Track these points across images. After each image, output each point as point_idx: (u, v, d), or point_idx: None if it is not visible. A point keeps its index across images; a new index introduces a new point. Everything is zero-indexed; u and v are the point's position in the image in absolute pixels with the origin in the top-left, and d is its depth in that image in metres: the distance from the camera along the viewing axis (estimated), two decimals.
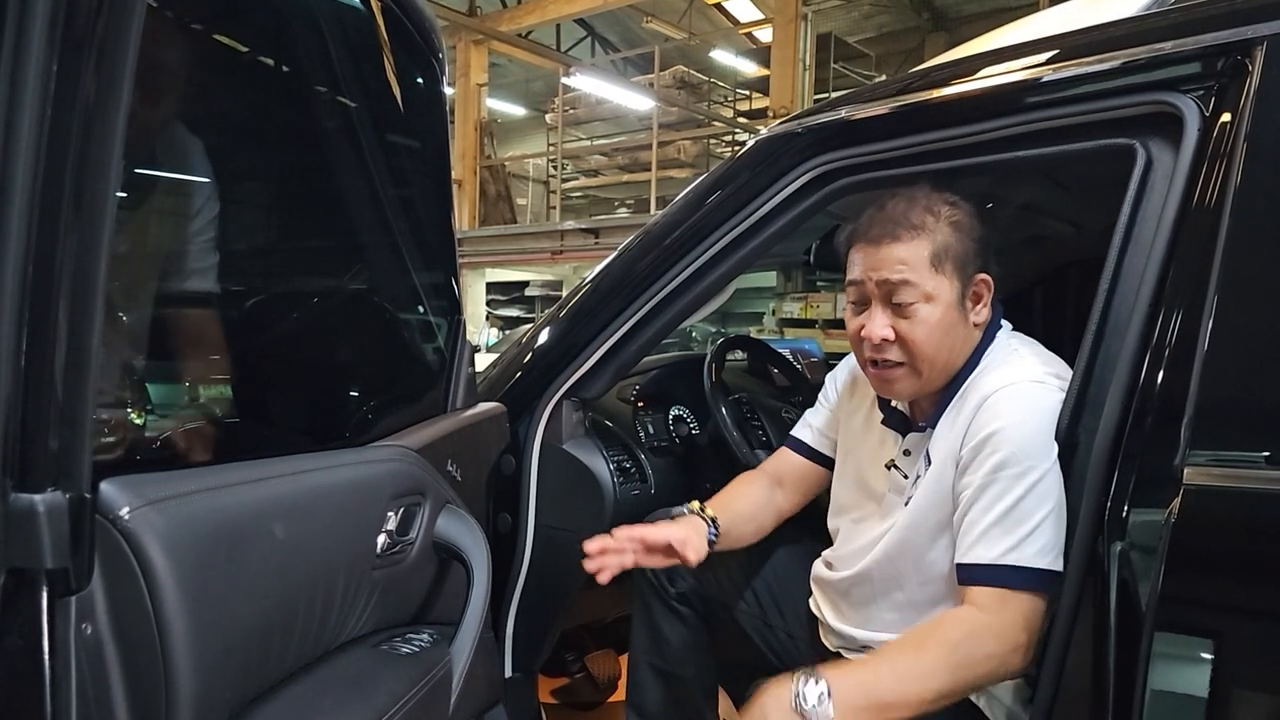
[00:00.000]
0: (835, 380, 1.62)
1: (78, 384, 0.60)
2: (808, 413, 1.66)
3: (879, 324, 1.31)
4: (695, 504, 1.53)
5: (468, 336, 1.37)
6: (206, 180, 0.97)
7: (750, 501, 1.60)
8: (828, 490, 1.59)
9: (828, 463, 1.60)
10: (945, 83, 1.37)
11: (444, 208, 1.34)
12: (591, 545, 1.39)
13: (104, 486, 0.64)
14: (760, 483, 1.63)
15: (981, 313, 1.34)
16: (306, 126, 1.09)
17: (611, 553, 1.40)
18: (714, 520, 1.50)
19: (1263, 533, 0.97)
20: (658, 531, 1.42)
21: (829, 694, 1.14)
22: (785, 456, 1.65)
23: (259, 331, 1.06)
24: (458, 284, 1.36)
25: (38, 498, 0.59)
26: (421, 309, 1.36)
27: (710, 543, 1.48)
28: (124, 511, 0.64)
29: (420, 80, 1.20)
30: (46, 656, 0.61)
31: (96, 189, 0.58)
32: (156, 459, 0.83)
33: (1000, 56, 1.34)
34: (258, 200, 1.03)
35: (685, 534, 1.43)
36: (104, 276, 0.59)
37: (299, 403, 1.11)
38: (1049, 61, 1.27)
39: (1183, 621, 0.97)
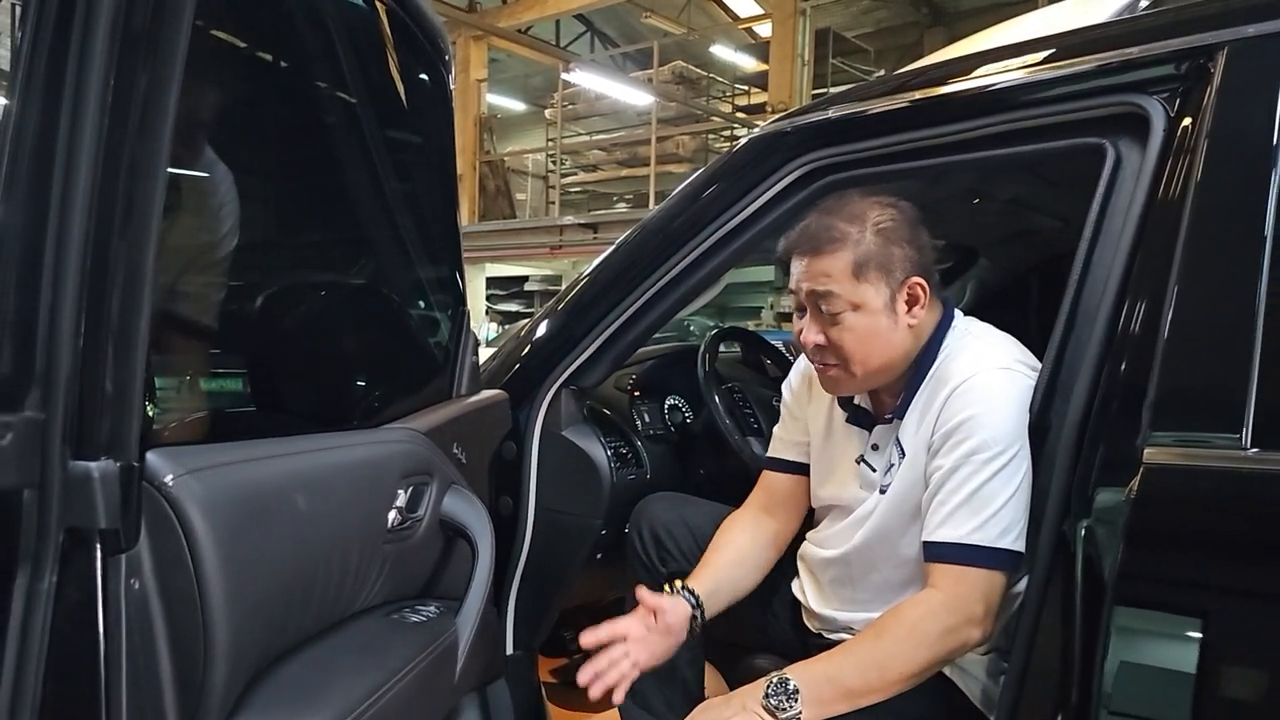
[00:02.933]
0: (790, 387, 1.66)
1: (128, 364, 0.67)
2: (776, 429, 1.68)
3: (811, 331, 1.38)
4: (677, 583, 1.49)
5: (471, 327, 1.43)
6: (227, 177, 1.04)
7: (737, 551, 1.57)
8: None
9: (805, 471, 1.63)
10: (928, 84, 1.44)
11: (450, 204, 1.41)
12: (584, 676, 1.34)
13: (150, 456, 0.71)
14: (745, 524, 1.62)
15: (918, 314, 1.37)
16: (322, 128, 1.15)
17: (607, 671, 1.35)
18: (693, 594, 1.47)
19: (1218, 507, 1.03)
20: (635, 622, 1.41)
21: (797, 690, 1.22)
22: (769, 480, 1.66)
23: (282, 321, 1.13)
24: (462, 277, 1.43)
25: (93, 465, 0.66)
26: (429, 301, 1.43)
27: (694, 618, 1.45)
28: (168, 479, 0.71)
29: (428, 81, 1.27)
30: (100, 607, 0.68)
31: (147, 187, 0.65)
32: (195, 435, 0.89)
33: (979, 60, 1.41)
34: (281, 199, 1.10)
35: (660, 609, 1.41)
36: (152, 268, 0.66)
37: (317, 387, 1.18)
38: (1025, 65, 1.33)
39: (1141, 595, 1.01)
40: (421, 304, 1.44)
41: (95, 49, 0.60)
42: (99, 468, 0.66)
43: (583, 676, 1.34)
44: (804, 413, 1.62)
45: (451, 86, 1.30)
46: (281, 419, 1.09)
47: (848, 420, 1.50)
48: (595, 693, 1.32)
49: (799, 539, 1.62)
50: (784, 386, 1.69)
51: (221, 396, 1.00)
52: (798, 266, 1.39)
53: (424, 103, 1.31)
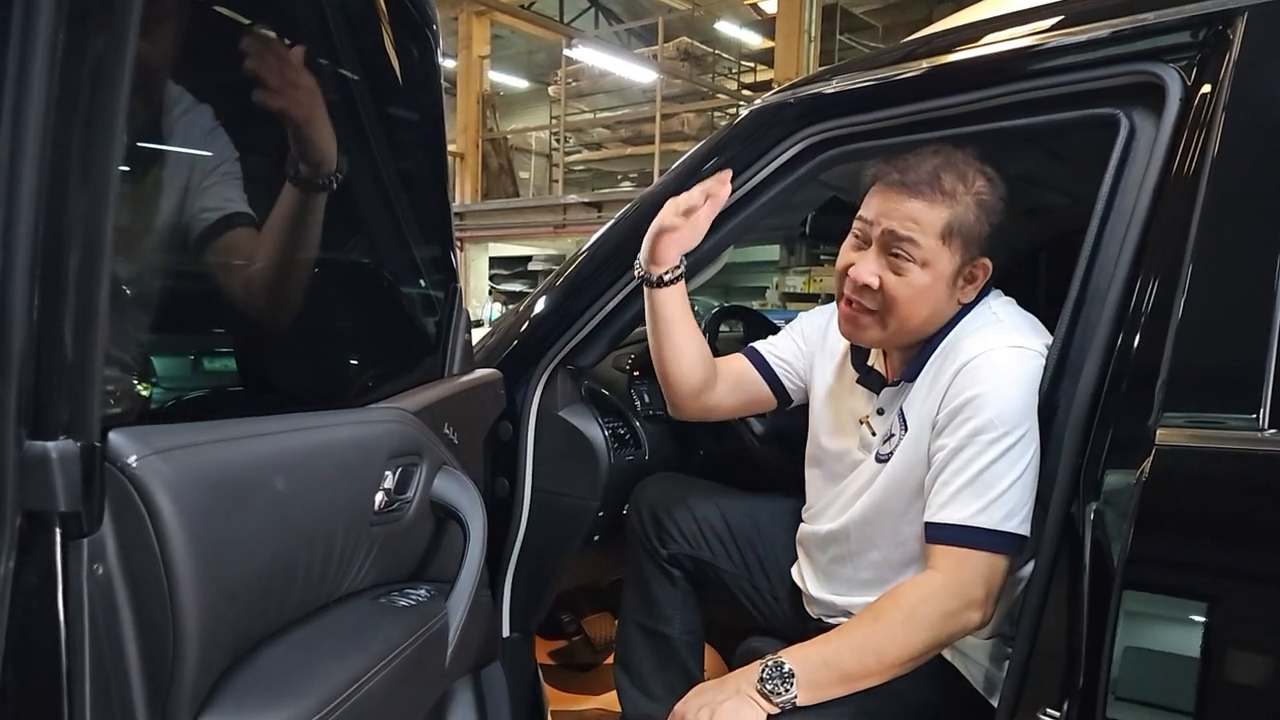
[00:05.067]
0: (811, 322, 1.62)
1: (86, 338, 0.63)
2: (775, 335, 1.65)
3: (868, 269, 1.32)
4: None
5: (465, 306, 1.40)
6: (212, 148, 1.00)
7: (698, 337, 1.56)
8: None
9: (777, 387, 1.60)
10: (934, 53, 1.40)
11: (440, 179, 1.37)
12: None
13: (113, 436, 0.68)
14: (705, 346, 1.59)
15: (970, 293, 1.35)
16: None
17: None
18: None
19: (1232, 490, 1.00)
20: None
21: (792, 674, 1.19)
22: (736, 360, 1.64)
23: (264, 297, 1.09)
24: (454, 254, 1.39)
25: (50, 445, 0.63)
26: (419, 278, 1.39)
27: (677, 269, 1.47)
28: (132, 460, 0.68)
29: (415, 51, 1.23)
30: (61, 594, 0.65)
31: (102, 154, 0.61)
32: (163, 414, 0.86)
33: (987, 28, 1.37)
34: (260, 171, 1.06)
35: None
36: (110, 237, 0.63)
37: (300, 366, 1.15)
38: (1035, 32, 1.29)
39: (1151, 579, 1.00)
40: (412, 280, 1.40)
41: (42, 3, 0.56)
42: (57, 448, 0.63)
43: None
44: (810, 352, 1.59)
45: (440, 54, 1.25)
46: (261, 398, 1.06)
47: (858, 381, 1.47)
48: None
49: (797, 521, 1.59)
50: (803, 316, 1.65)
51: (196, 374, 0.97)
52: (883, 199, 1.32)
53: (413, 76, 1.27)
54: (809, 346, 1.60)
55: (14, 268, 0.58)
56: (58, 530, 0.64)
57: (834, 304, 1.55)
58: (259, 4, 1.06)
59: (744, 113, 1.61)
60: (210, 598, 0.73)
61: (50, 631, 0.65)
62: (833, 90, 1.46)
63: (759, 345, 1.65)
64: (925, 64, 1.39)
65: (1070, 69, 1.25)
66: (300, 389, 1.12)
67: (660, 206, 1.60)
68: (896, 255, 1.31)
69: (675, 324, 1.51)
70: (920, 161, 1.31)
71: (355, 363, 1.30)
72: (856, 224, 1.37)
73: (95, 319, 0.64)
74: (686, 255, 1.49)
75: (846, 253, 1.37)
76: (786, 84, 1.59)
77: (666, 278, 1.47)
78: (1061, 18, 1.28)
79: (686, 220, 1.41)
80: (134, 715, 0.70)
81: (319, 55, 1.07)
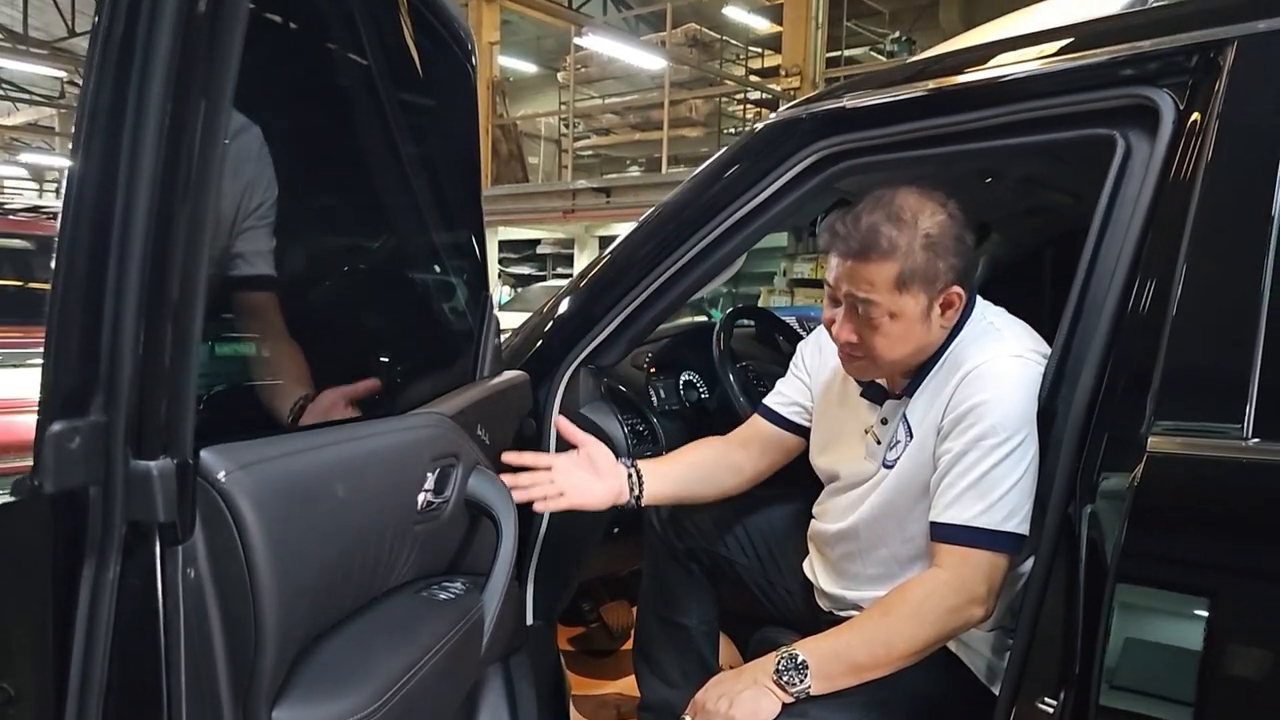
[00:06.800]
0: (806, 350, 1.70)
1: (184, 367, 0.71)
2: (780, 382, 1.73)
3: (845, 329, 1.39)
4: (638, 463, 1.61)
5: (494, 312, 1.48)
6: (267, 168, 1.06)
7: (698, 457, 1.67)
8: None
9: (799, 430, 1.68)
10: (941, 74, 1.46)
11: (475, 198, 1.45)
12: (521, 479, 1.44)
13: (204, 454, 0.76)
14: (715, 444, 1.71)
15: (951, 317, 1.40)
16: (357, 132, 1.19)
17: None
18: (635, 467, 1.59)
19: (1218, 497, 1.06)
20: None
21: (806, 665, 1.27)
22: (756, 423, 1.73)
23: (328, 312, 1.17)
24: (485, 265, 1.47)
25: (152, 463, 0.71)
26: (456, 289, 1.47)
27: (632, 488, 1.56)
28: (221, 475, 0.76)
29: (456, 82, 1.30)
30: (160, 595, 0.73)
31: (201, 205, 0.69)
32: (244, 426, 0.94)
33: (992, 50, 1.43)
34: (322, 199, 1.14)
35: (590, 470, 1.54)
36: (205, 277, 0.71)
37: (358, 375, 1.22)
38: (1038, 56, 1.35)
39: (1143, 576, 1.05)
40: (449, 293, 1.48)
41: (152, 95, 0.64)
42: (158, 465, 0.71)
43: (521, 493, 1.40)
44: (812, 380, 1.66)
45: (475, 87, 1.33)
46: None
47: (861, 394, 1.54)
48: (517, 497, 1.35)
49: (809, 517, 1.67)
50: (800, 346, 1.72)
51: (271, 390, 1.05)
52: (839, 264, 1.37)
53: (452, 103, 1.34)
54: (811, 375, 1.67)
55: (125, 313, 0.66)
56: (157, 538, 0.73)
57: (821, 329, 1.63)
58: (309, 37, 1.13)
59: (759, 126, 1.67)
60: (286, 596, 0.81)
61: (150, 630, 0.73)
62: (844, 106, 1.53)
63: (769, 401, 1.72)
64: (933, 83, 1.45)
65: (1070, 91, 1.31)
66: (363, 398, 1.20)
67: (682, 215, 1.67)
68: (863, 313, 1.37)
69: (686, 493, 1.63)
70: (859, 222, 1.34)
71: (405, 371, 1.37)
72: (826, 284, 1.43)
73: (191, 347, 0.72)
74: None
75: (826, 310, 1.44)
76: (800, 99, 1.65)
77: (637, 495, 1.57)
78: (1064, 43, 1.34)
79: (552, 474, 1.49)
80: (220, 704, 0.78)
81: (373, 89, 1.14)
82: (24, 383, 3.01)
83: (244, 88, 0.72)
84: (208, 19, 0.69)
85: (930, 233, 1.33)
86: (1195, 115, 1.18)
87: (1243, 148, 1.12)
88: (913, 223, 1.33)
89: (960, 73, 1.43)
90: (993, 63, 1.40)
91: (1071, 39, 1.34)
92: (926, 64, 1.52)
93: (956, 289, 1.37)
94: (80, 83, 0.66)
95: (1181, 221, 1.12)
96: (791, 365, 1.73)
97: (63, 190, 0.68)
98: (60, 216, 0.68)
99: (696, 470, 1.66)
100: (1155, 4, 1.36)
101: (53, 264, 0.68)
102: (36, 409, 0.68)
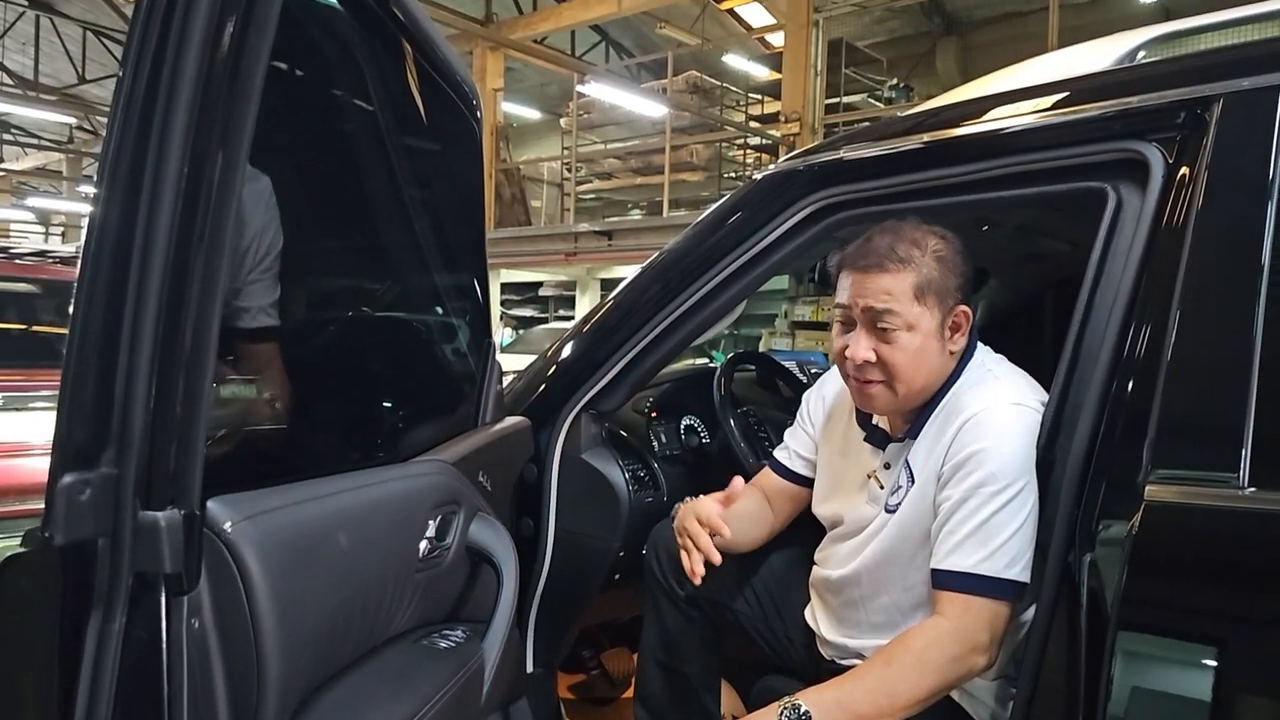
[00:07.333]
0: (811, 400, 1.71)
1: (194, 419, 0.73)
2: (787, 433, 1.75)
3: (863, 347, 1.40)
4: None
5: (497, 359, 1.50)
6: (275, 218, 1.08)
7: (748, 505, 1.69)
8: None
9: (806, 483, 1.69)
10: (936, 127, 1.49)
11: (479, 247, 1.47)
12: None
13: (210, 504, 0.77)
14: (755, 494, 1.73)
15: (959, 341, 1.43)
16: (366, 186, 1.22)
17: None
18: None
19: (1215, 545, 1.06)
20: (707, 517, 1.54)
21: (809, 715, 1.26)
22: (768, 476, 1.74)
23: (333, 359, 1.19)
24: (489, 312, 1.49)
25: (160, 514, 0.72)
26: (459, 337, 1.49)
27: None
28: (227, 525, 0.77)
29: (462, 139, 1.33)
30: (165, 644, 0.74)
31: (215, 265, 0.71)
32: (246, 477, 0.95)
33: (987, 104, 1.46)
34: (328, 245, 1.16)
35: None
36: (217, 325, 0.72)
37: (363, 422, 1.24)
38: (1031, 110, 1.38)
39: (1143, 623, 1.05)
40: (453, 341, 1.50)
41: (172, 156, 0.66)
42: (165, 516, 0.72)
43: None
44: (816, 430, 1.68)
45: (480, 140, 1.36)
46: (333, 456, 1.15)
47: (865, 439, 1.55)
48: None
49: (811, 564, 1.67)
50: (805, 397, 1.74)
51: (276, 439, 1.06)
52: (854, 282, 1.40)
53: (459, 160, 1.38)
54: (815, 425, 1.69)
55: (138, 368, 0.68)
56: (163, 589, 0.73)
57: (824, 377, 1.68)
58: (319, 91, 1.16)
59: (757, 177, 1.70)
60: (288, 647, 0.82)
61: (154, 680, 0.74)
62: (842, 158, 1.56)
63: (778, 454, 1.74)
64: (928, 136, 1.48)
65: (1062, 145, 1.34)
66: (364, 446, 1.21)
67: (683, 262, 1.69)
68: (883, 328, 1.39)
69: (732, 545, 1.61)
70: (874, 241, 1.40)
71: (407, 418, 1.39)
72: (837, 310, 1.45)
73: (201, 398, 0.73)
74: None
75: (837, 338, 1.46)
76: (799, 150, 1.69)
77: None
78: (1056, 98, 1.37)
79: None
80: None
81: (380, 144, 1.17)
82: (29, 426, 3.02)
83: (255, 139, 0.74)
84: (226, 79, 0.71)
85: (939, 250, 1.39)
86: (1184, 169, 1.21)
87: (1230, 200, 1.15)
88: (923, 242, 1.39)
89: (955, 126, 1.46)
90: (986, 117, 1.43)
91: (1064, 94, 1.37)
92: (922, 117, 1.55)
93: (964, 308, 1.41)
94: (89, 128, 0.68)
95: (1173, 272, 1.14)
96: (798, 417, 1.74)
97: (81, 244, 0.70)
98: (79, 269, 0.70)
99: (745, 521, 1.67)
100: (1145, 61, 1.39)
101: (70, 315, 0.69)
102: (41, 453, 0.69)
